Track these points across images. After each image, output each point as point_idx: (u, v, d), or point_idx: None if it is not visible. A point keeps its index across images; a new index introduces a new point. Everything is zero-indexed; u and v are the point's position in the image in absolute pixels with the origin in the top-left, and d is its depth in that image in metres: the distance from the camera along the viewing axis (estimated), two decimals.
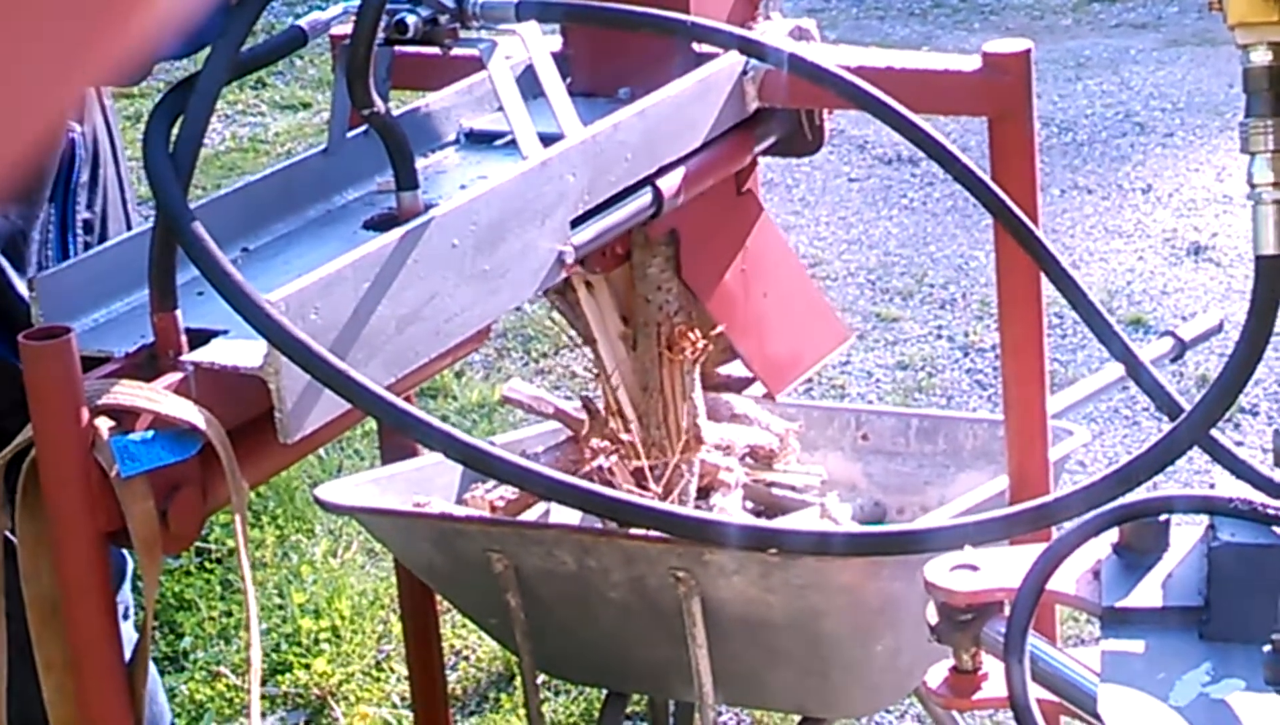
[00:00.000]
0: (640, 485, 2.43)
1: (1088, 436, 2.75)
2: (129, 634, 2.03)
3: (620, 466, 2.54)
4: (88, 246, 2.10)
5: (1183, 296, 5.12)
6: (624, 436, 2.52)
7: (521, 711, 3.51)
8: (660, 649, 2.42)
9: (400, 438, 2.56)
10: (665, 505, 2.36)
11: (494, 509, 2.49)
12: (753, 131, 2.34)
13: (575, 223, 2.02)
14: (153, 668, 2.39)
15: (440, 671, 2.86)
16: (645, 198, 2.15)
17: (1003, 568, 1.69)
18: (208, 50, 1.75)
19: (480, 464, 1.71)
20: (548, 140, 2.00)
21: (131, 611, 2.35)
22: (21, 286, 2.04)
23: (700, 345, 2.40)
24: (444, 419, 4.53)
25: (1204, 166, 6.00)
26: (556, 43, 2.33)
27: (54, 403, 1.63)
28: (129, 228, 2.14)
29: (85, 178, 2.13)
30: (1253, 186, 1.60)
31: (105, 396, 1.65)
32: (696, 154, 2.23)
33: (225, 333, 1.76)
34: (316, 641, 3.80)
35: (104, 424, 1.64)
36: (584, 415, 2.52)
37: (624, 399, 2.42)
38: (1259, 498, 1.64)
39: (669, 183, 2.18)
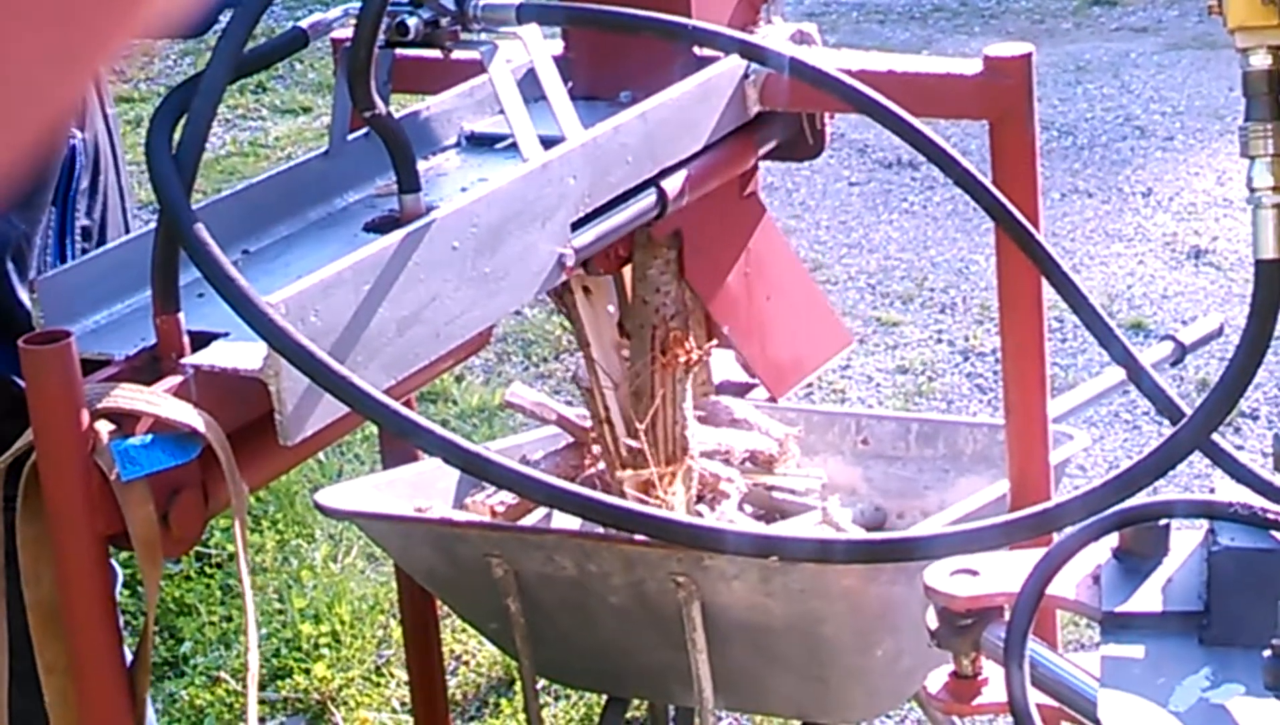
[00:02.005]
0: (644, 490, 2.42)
1: (1088, 440, 2.75)
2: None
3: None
4: (85, 253, 2.09)
5: (1183, 300, 5.12)
6: (629, 443, 2.52)
7: (521, 716, 3.51)
8: (660, 654, 2.42)
9: (400, 442, 2.55)
10: (665, 513, 2.36)
11: (494, 514, 2.49)
12: (755, 135, 2.34)
13: (578, 225, 2.02)
14: None
15: (440, 676, 2.86)
16: (650, 199, 2.15)
17: (1003, 572, 1.68)
18: (209, 54, 1.75)
19: (481, 471, 1.71)
20: (548, 143, 2.00)
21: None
22: (24, 294, 2.03)
23: (694, 355, 2.39)
24: (444, 423, 4.53)
25: (1204, 170, 6.00)
26: (558, 46, 2.33)
27: (54, 406, 1.63)
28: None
29: (85, 184, 2.13)
30: (1252, 190, 1.60)
31: (105, 400, 1.65)
32: (700, 156, 2.23)
33: (226, 335, 1.76)
34: (316, 646, 3.80)
35: (104, 427, 1.63)
36: (586, 423, 2.52)
37: (613, 405, 2.40)
38: (1259, 502, 1.64)
39: (673, 184, 2.18)
